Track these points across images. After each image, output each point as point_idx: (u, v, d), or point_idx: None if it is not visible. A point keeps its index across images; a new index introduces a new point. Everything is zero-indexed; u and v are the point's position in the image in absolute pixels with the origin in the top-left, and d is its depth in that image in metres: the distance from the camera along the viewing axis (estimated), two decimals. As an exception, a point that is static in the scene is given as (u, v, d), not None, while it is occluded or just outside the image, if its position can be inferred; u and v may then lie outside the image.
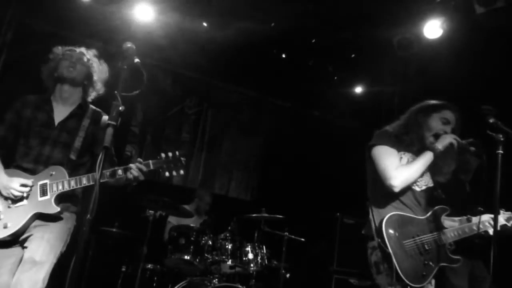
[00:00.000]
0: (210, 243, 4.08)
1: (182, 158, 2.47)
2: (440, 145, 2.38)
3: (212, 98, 6.73)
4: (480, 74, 4.60)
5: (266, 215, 4.50)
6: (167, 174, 2.47)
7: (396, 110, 6.19)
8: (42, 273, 2.36)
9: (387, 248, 2.14)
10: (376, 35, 5.42)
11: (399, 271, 2.10)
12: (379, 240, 2.19)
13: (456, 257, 2.39)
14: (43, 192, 2.42)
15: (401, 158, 2.43)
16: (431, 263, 2.23)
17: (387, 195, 2.38)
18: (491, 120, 2.53)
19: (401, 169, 2.32)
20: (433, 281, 2.37)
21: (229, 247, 4.11)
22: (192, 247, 4.03)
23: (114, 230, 4.40)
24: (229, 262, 4.07)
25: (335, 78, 6.34)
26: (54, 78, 2.66)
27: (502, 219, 2.63)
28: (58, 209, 2.41)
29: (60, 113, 2.62)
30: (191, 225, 4.39)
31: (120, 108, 1.93)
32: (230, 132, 6.81)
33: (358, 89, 6.47)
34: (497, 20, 4.19)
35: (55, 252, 2.43)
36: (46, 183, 2.43)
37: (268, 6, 5.32)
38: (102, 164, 1.86)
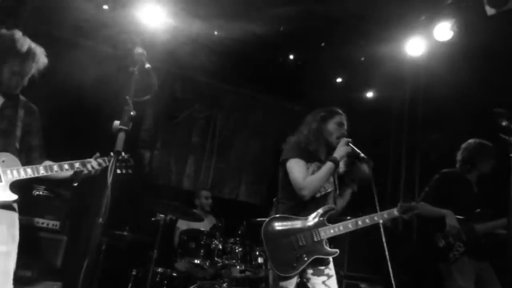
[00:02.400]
0: (220, 247, 4.08)
1: (130, 159, 2.67)
2: (338, 155, 2.76)
3: (222, 102, 6.75)
4: (492, 76, 4.56)
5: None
6: (118, 171, 2.61)
7: (407, 115, 6.16)
8: (11, 263, 2.31)
9: (264, 245, 2.67)
10: (385, 38, 5.41)
11: (270, 262, 2.63)
12: (262, 237, 2.69)
13: (333, 250, 2.72)
14: None
15: (308, 168, 2.81)
16: (304, 256, 2.62)
17: (289, 200, 2.83)
18: (503, 123, 2.52)
19: (308, 180, 2.73)
20: (332, 267, 2.80)
21: (239, 251, 4.10)
22: (202, 251, 4.04)
23: (125, 233, 4.42)
24: (239, 266, 4.06)
25: (340, 80, 6.33)
26: None
27: (395, 211, 2.87)
28: (16, 196, 2.34)
29: None
30: (201, 229, 4.39)
31: (132, 113, 1.95)
32: (240, 136, 6.82)
33: (366, 91, 6.44)
34: (508, 21, 4.15)
35: (17, 241, 2.38)
36: None
37: (277, 9, 5.34)
38: (113, 167, 1.89)
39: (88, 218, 2.52)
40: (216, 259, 4.02)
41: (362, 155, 2.74)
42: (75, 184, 2.59)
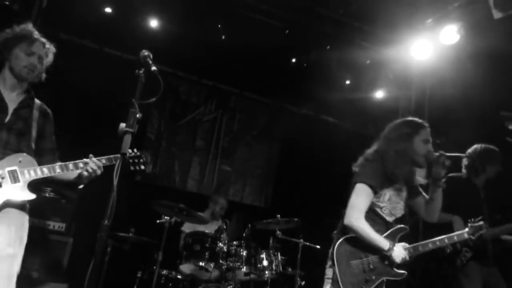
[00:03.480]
0: (225, 249, 4.07)
1: (142, 156, 2.67)
2: (397, 258, 2.58)
3: (227, 104, 6.77)
4: (498, 79, 4.53)
5: (281, 221, 4.48)
6: (131, 168, 2.64)
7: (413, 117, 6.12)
8: (16, 266, 2.31)
9: (335, 266, 2.56)
10: (392, 41, 5.40)
11: (340, 283, 2.52)
12: (332, 258, 2.60)
13: (401, 271, 2.64)
14: (14, 179, 2.31)
15: (384, 194, 2.67)
16: (373, 277, 2.57)
17: None
18: (510, 127, 2.51)
19: (358, 221, 2.59)
20: None
21: (244, 253, 4.10)
22: (207, 253, 4.04)
23: (130, 235, 4.43)
24: (244, 269, 4.06)
25: (347, 82, 6.31)
26: (5, 59, 2.46)
27: (465, 234, 2.79)
28: (34, 195, 2.36)
29: (10, 100, 2.47)
30: (206, 231, 4.40)
31: (138, 115, 1.95)
32: (244, 139, 6.83)
33: (372, 94, 6.43)
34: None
35: (24, 243, 2.38)
36: (16, 169, 2.33)
37: (283, 12, 5.35)
38: (119, 169, 1.89)
39: (94, 220, 2.50)
40: (221, 261, 4.02)
41: (461, 155, 2.66)
42: (80, 187, 2.58)
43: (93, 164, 2.46)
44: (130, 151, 2.58)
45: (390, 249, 2.56)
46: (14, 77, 2.47)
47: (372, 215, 2.67)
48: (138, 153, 2.66)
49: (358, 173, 2.74)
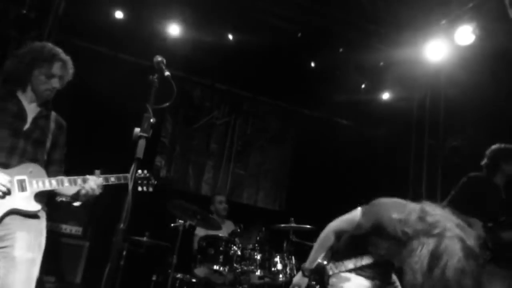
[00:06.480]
0: (239, 253, 4.07)
1: (151, 177, 2.74)
2: (295, 279, 2.70)
3: (240, 108, 6.79)
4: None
5: (295, 225, 4.47)
6: (139, 188, 2.70)
7: (427, 120, 6.07)
8: (36, 270, 2.36)
9: None
10: (406, 42, 5.36)
11: None
12: None
13: None
14: (22, 188, 2.34)
15: None
16: None
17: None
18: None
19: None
20: None
21: (258, 257, 4.09)
22: (221, 257, 4.04)
23: (145, 239, 4.46)
24: (258, 273, 4.05)
25: (363, 86, 6.27)
26: (26, 79, 2.48)
27: None
28: (40, 207, 2.39)
29: (29, 109, 2.51)
30: (220, 235, 4.40)
31: (152, 120, 1.97)
32: (258, 142, 6.84)
33: (385, 96, 6.38)
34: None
35: (42, 248, 2.43)
36: (25, 179, 2.35)
37: (295, 16, 5.35)
38: (134, 175, 1.90)
39: (110, 224, 2.51)
40: (235, 265, 4.01)
41: None
42: (76, 204, 2.57)
43: (92, 183, 2.45)
44: (140, 172, 2.65)
45: (303, 269, 2.68)
46: (35, 95, 2.52)
47: None
48: (147, 175, 2.72)
49: None
